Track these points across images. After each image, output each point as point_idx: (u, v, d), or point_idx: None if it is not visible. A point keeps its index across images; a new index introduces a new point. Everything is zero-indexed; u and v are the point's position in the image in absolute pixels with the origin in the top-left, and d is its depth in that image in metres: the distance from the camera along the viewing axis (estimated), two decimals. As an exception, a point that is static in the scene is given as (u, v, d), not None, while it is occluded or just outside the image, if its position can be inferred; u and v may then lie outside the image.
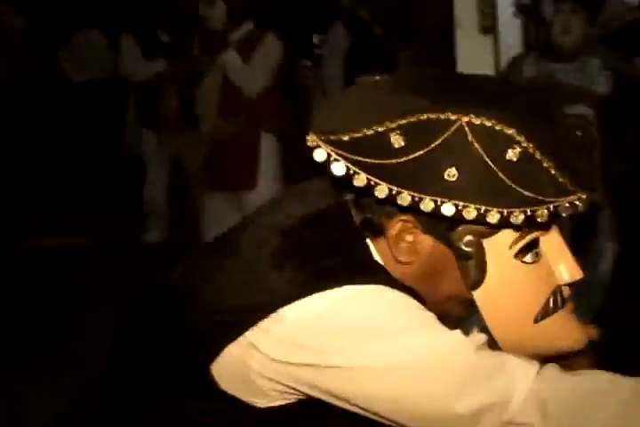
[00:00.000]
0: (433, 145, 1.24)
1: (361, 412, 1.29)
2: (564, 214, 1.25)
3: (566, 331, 1.37)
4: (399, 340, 1.25)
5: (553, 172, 1.25)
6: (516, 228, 1.28)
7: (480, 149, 1.24)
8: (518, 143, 1.24)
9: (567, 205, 1.25)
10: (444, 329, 1.29)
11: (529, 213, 1.24)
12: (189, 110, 5.41)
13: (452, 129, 1.24)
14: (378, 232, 1.32)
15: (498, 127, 1.24)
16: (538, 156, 1.25)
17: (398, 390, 1.25)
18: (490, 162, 1.23)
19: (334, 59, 6.64)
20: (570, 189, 1.25)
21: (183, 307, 1.33)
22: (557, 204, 1.25)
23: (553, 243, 1.34)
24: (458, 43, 5.78)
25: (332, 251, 1.31)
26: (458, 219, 1.25)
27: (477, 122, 1.24)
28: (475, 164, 1.24)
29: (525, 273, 1.32)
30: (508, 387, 1.25)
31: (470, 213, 1.24)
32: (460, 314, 1.35)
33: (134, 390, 1.36)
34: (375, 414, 1.28)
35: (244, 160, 5.24)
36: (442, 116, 1.24)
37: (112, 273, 5.68)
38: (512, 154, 1.24)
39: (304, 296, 1.26)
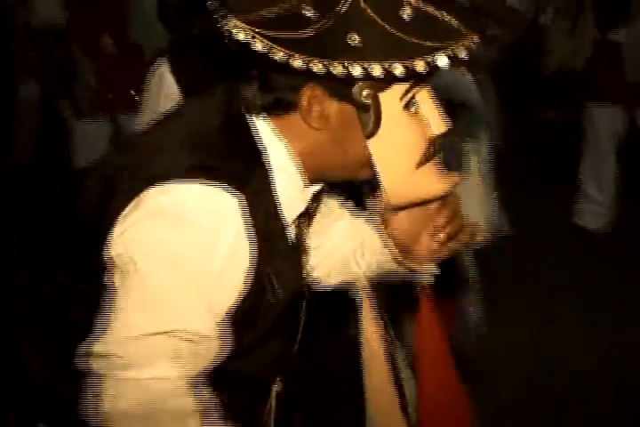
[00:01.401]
0: (334, 15, 1.39)
1: None
2: (463, 56, 1.40)
3: (437, 178, 1.57)
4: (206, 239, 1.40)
5: (447, 20, 1.40)
6: (405, 81, 1.45)
7: (373, 14, 1.38)
8: (408, 3, 1.40)
9: (463, 47, 1.40)
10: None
11: (430, 60, 1.39)
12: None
13: (349, 1, 1.39)
14: (287, 108, 1.48)
15: None
16: (430, 10, 1.40)
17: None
18: (384, 24, 1.38)
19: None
20: (465, 33, 1.41)
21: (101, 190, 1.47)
22: (456, 47, 1.39)
23: (426, 100, 1.53)
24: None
25: (228, 150, 1.46)
26: (364, 78, 1.40)
27: None
28: (372, 27, 1.39)
29: (410, 123, 1.51)
30: None
31: (376, 70, 1.38)
32: (365, 177, 1.55)
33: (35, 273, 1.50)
34: None
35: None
36: None
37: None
38: (405, 13, 1.39)
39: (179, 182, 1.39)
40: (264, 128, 1.51)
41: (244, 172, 1.45)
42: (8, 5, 6.02)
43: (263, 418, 1.66)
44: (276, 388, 1.68)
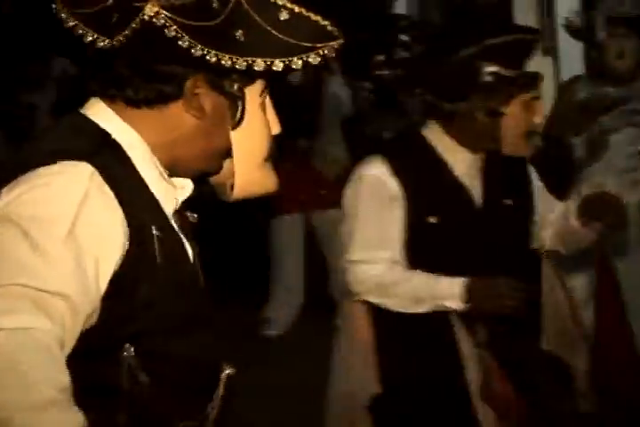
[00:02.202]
0: (224, 13, 1.52)
1: None
2: (332, 55, 1.56)
3: (272, 175, 1.71)
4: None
5: (321, 23, 1.55)
6: (266, 79, 1.63)
7: (254, 15, 1.53)
8: (284, 6, 1.54)
9: (334, 48, 1.55)
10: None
11: (305, 59, 1.55)
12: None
13: (233, 1, 1.53)
14: (167, 99, 1.58)
15: None
16: (304, 12, 1.54)
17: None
18: (265, 24, 1.53)
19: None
20: (336, 34, 1.56)
21: None
22: (327, 47, 1.55)
23: (268, 101, 1.68)
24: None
25: (73, 134, 1.56)
26: (247, 71, 1.55)
27: None
28: (254, 27, 1.53)
29: (262, 118, 1.66)
30: None
31: (258, 65, 1.53)
32: (214, 169, 1.66)
33: None
34: None
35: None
36: None
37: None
38: (282, 15, 1.53)
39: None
40: (115, 123, 1.59)
41: (91, 150, 1.53)
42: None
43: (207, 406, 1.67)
44: (226, 372, 1.70)
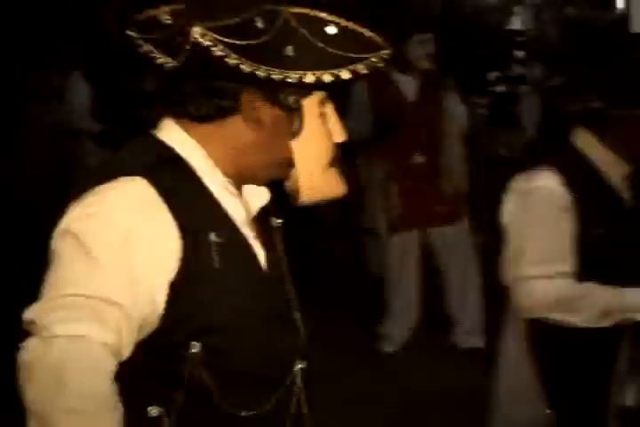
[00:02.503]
0: (273, 30, 1.61)
1: None
2: (380, 65, 1.64)
3: (339, 180, 1.78)
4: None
5: (367, 34, 1.64)
6: (323, 90, 1.70)
7: (303, 31, 1.62)
8: (331, 21, 1.63)
9: (380, 58, 1.64)
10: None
11: (353, 69, 1.62)
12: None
13: (281, 18, 1.61)
14: (225, 114, 1.66)
15: (312, 13, 1.64)
16: (350, 26, 1.63)
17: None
18: (314, 39, 1.61)
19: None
20: (382, 45, 1.65)
21: None
22: (374, 57, 1.63)
23: (331, 111, 1.75)
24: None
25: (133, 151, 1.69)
26: (298, 85, 1.61)
27: (295, 11, 1.64)
28: (304, 42, 1.61)
29: (322, 129, 1.73)
30: None
31: (308, 78, 1.60)
32: (281, 176, 1.74)
33: None
34: None
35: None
36: (274, 8, 1.62)
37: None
38: (330, 30, 1.62)
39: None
40: (181, 139, 1.69)
41: (147, 165, 1.62)
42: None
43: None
44: (299, 365, 1.75)
